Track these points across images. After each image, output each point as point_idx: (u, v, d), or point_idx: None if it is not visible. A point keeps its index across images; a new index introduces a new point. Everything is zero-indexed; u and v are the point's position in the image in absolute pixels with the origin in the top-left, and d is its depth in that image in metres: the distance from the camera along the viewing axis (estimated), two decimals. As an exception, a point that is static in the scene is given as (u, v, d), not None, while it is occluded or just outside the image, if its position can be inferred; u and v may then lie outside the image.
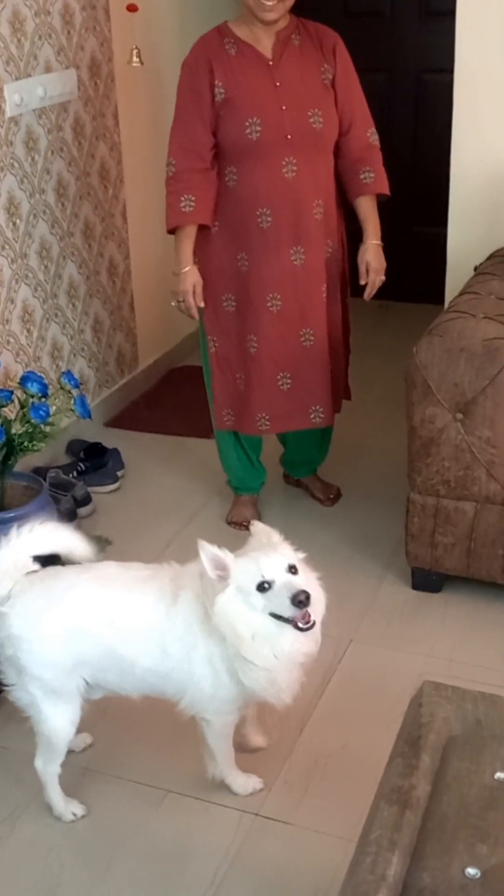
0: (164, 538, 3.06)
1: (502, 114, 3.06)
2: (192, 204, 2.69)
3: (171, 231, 2.77)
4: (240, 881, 1.91)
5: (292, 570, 1.82)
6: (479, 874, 1.32)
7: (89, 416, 2.94)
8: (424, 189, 4.42)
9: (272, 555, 1.82)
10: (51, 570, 2.01)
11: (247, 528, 3.01)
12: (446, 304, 2.93)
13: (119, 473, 3.38)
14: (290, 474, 3.29)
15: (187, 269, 2.76)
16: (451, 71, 3.08)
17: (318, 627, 1.83)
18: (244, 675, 1.85)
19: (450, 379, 2.43)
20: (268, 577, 1.79)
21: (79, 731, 2.20)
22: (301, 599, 1.76)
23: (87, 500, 3.18)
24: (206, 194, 2.71)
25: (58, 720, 1.96)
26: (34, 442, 2.76)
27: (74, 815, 2.06)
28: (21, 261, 3.22)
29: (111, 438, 3.58)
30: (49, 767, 2.03)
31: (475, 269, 2.99)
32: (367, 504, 3.19)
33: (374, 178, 2.80)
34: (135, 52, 3.40)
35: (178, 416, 3.82)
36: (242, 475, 3.13)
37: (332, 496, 3.20)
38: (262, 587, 1.79)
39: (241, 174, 2.71)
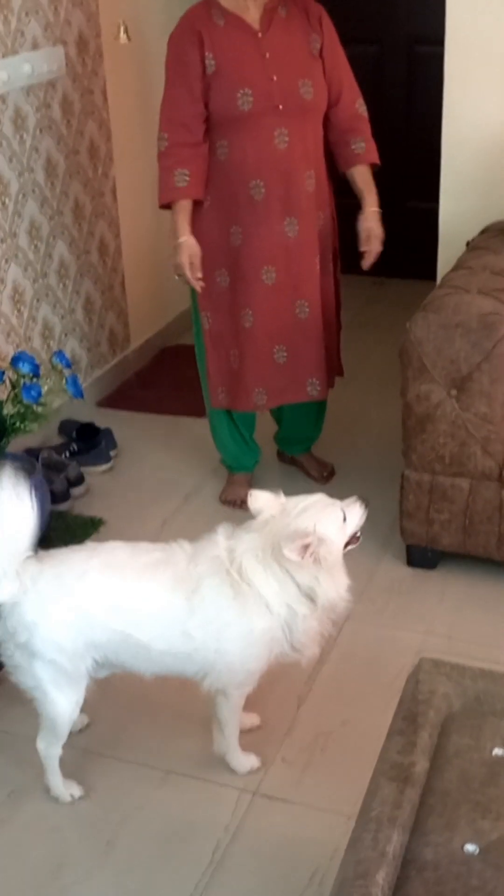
0: (159, 518, 3.05)
1: (494, 85, 3.03)
2: (187, 178, 2.67)
3: (165, 206, 2.74)
4: (240, 859, 1.92)
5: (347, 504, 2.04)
6: (479, 849, 1.33)
7: (81, 396, 2.93)
8: (417, 163, 4.38)
9: (335, 504, 2.00)
10: (57, 553, 2.00)
11: (241, 506, 3.03)
12: (439, 280, 2.92)
13: (112, 453, 3.36)
14: (285, 451, 3.28)
15: (183, 239, 2.72)
16: (442, 42, 3.05)
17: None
18: (299, 625, 1.93)
19: (445, 355, 2.42)
20: (346, 512, 2.00)
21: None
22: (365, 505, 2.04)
23: (80, 480, 3.17)
24: (199, 168, 2.69)
25: (63, 703, 1.96)
26: (26, 422, 2.74)
27: (73, 796, 2.07)
28: (11, 240, 3.19)
29: (104, 418, 3.56)
30: (51, 750, 2.03)
31: (467, 244, 2.97)
32: (363, 481, 3.17)
33: (365, 148, 2.80)
34: (122, 27, 3.36)
35: (170, 396, 3.80)
36: (237, 453, 3.12)
37: (326, 474, 3.19)
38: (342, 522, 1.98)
39: (233, 146, 2.69)
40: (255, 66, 2.64)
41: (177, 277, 2.79)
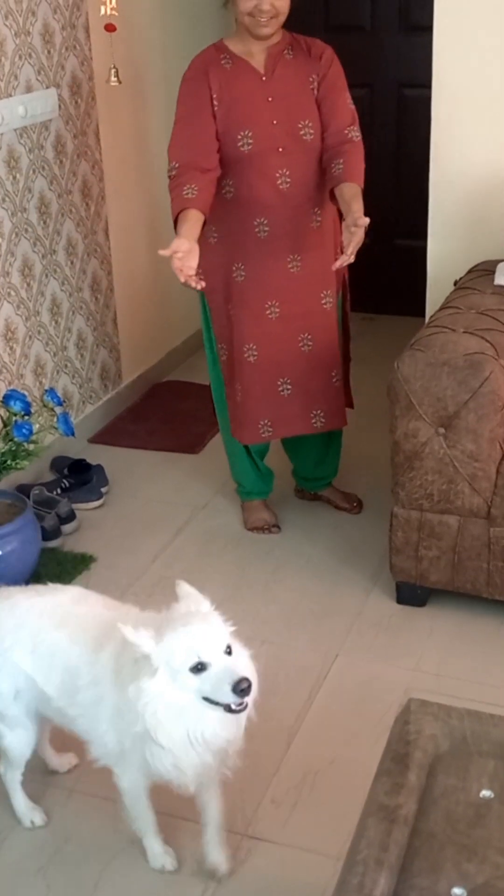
0: (150, 553, 3.06)
1: (480, 128, 3.09)
2: (195, 192, 2.62)
3: (177, 220, 2.65)
4: (229, 901, 1.91)
5: (228, 650, 1.68)
6: (465, 893, 1.33)
7: (72, 434, 2.95)
8: (408, 202, 4.45)
9: (209, 633, 1.67)
10: (9, 590, 2.05)
11: (270, 530, 3.11)
12: (427, 318, 2.95)
13: (103, 489, 3.37)
14: (306, 489, 3.29)
15: (179, 237, 2.55)
16: (431, 85, 3.11)
17: (245, 713, 1.68)
18: (150, 754, 1.73)
19: (432, 393, 2.44)
20: (205, 659, 1.64)
21: (64, 751, 2.20)
22: (244, 688, 1.62)
23: (71, 516, 3.18)
24: (208, 188, 2.66)
25: (12, 740, 1.98)
26: (17, 460, 2.76)
27: (33, 822, 2.07)
28: (3, 279, 3.22)
29: (96, 454, 3.58)
30: (9, 774, 2.05)
31: (455, 283, 3.01)
32: (354, 516, 3.20)
33: (343, 169, 2.68)
34: (113, 70, 3.42)
35: (162, 431, 3.82)
36: (255, 480, 3.15)
37: (355, 503, 3.21)
38: (198, 668, 1.65)
39: (238, 185, 2.74)
40: (258, 109, 2.70)
41: (183, 280, 2.56)
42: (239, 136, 2.69)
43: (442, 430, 2.46)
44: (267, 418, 2.95)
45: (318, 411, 2.96)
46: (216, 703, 1.66)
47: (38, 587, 2.08)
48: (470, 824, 1.45)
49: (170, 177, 2.71)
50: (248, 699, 1.66)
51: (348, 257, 2.57)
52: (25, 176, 3.26)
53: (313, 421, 2.97)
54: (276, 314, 2.84)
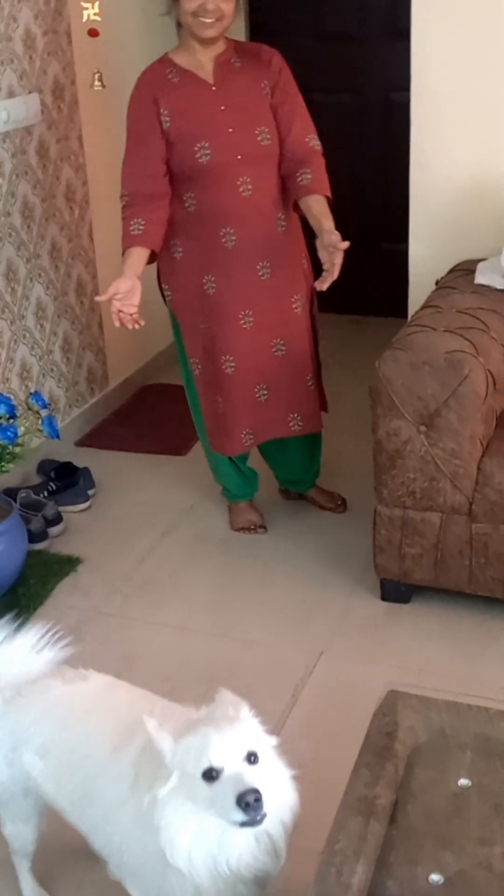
0: (137, 555, 3.07)
1: (459, 131, 3.12)
2: (142, 227, 2.69)
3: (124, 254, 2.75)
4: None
5: (251, 758, 1.42)
6: (442, 880, 1.34)
7: (58, 437, 2.96)
8: (394, 206, 4.47)
9: (227, 732, 1.42)
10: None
11: (256, 530, 3.13)
12: (409, 318, 2.97)
13: (90, 492, 3.38)
14: (290, 490, 3.31)
15: (119, 279, 2.62)
16: (411, 89, 3.13)
17: (280, 837, 1.46)
18: (169, 882, 1.48)
19: (413, 392, 2.46)
20: (216, 763, 1.40)
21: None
22: (248, 801, 1.36)
23: (58, 519, 3.19)
24: (157, 218, 2.71)
25: (12, 831, 1.85)
26: (3, 463, 2.77)
27: None
28: (-12, 283, 3.24)
29: (82, 457, 3.58)
30: (16, 858, 1.91)
31: (436, 283, 3.03)
32: (337, 517, 3.22)
33: (311, 179, 2.70)
34: (96, 75, 3.43)
35: (149, 434, 3.83)
36: (240, 483, 3.16)
37: (339, 503, 3.23)
38: (210, 775, 1.40)
39: (200, 197, 2.74)
40: (212, 119, 2.69)
41: (118, 324, 2.64)
42: (196, 148, 2.68)
43: (423, 429, 2.48)
44: (248, 427, 2.96)
45: (296, 414, 2.97)
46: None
47: (66, 673, 1.83)
48: (448, 816, 1.47)
49: (122, 206, 2.74)
50: (272, 818, 1.42)
51: (332, 277, 2.58)
52: (8, 180, 3.27)
53: (291, 424, 2.98)
54: (251, 323, 2.84)
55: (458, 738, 1.61)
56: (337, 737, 2.26)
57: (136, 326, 2.65)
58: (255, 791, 1.37)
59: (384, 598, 2.75)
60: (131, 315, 2.62)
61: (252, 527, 3.14)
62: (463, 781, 1.51)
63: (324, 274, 2.59)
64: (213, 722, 1.46)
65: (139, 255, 2.69)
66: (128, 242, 2.71)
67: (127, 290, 2.60)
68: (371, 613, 2.72)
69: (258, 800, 1.37)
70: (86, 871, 1.96)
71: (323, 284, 2.60)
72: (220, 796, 1.39)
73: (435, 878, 1.35)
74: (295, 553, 3.04)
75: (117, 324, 2.63)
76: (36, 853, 1.91)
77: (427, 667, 2.49)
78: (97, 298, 2.62)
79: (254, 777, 1.40)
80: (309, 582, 2.89)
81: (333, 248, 2.57)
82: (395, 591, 2.73)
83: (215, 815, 1.41)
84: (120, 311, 2.60)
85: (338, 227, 2.66)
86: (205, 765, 1.40)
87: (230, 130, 2.70)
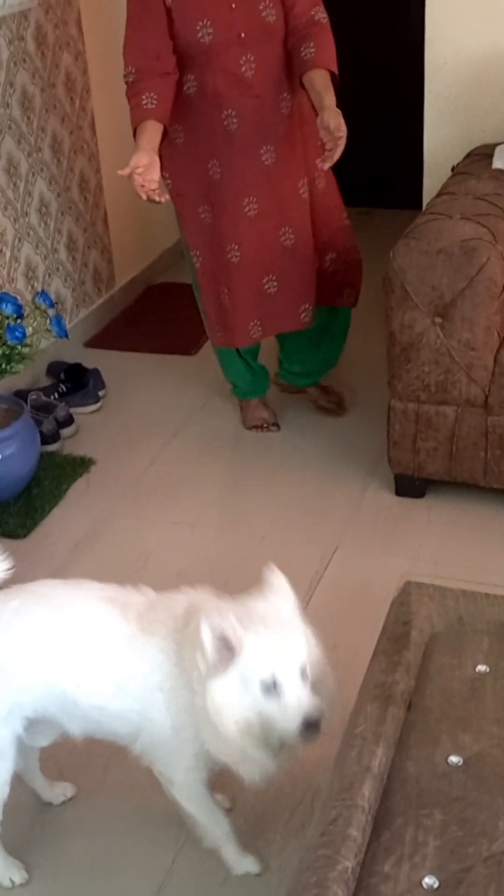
0: (148, 456, 3.06)
1: (476, 8, 2.97)
2: (154, 102, 2.57)
3: (136, 131, 2.61)
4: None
5: (304, 672, 1.48)
6: (461, 761, 1.36)
7: (66, 336, 2.92)
8: (402, 92, 4.31)
9: (288, 649, 1.47)
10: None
11: (268, 428, 3.09)
12: (424, 207, 2.89)
13: (100, 393, 3.36)
14: (291, 383, 3.25)
15: (137, 152, 2.52)
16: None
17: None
18: (215, 748, 1.53)
19: (427, 282, 2.40)
20: (279, 679, 1.45)
21: (59, 779, 1.95)
22: (315, 727, 1.44)
23: (69, 421, 3.17)
24: (167, 94, 2.60)
25: None
26: (12, 364, 2.75)
27: (12, 881, 1.77)
28: (-12, 179, 3.15)
29: (91, 358, 3.55)
30: None
31: (452, 169, 2.93)
32: (350, 412, 3.19)
33: (315, 53, 2.58)
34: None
35: (157, 334, 3.78)
36: (251, 379, 3.13)
37: (338, 403, 3.18)
38: (269, 688, 1.45)
39: (200, 79, 2.63)
40: None
41: (145, 198, 2.54)
42: (198, 27, 2.56)
43: (438, 320, 2.43)
44: (256, 318, 2.90)
45: (307, 305, 2.91)
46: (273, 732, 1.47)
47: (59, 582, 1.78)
48: (465, 699, 1.48)
49: (127, 83, 2.61)
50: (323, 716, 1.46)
51: (332, 160, 2.48)
52: (6, 69, 3.15)
53: (302, 316, 2.92)
54: (255, 211, 2.76)
55: (475, 626, 1.62)
56: (354, 626, 2.28)
57: (162, 200, 2.54)
58: (318, 721, 1.45)
59: (398, 492, 2.75)
60: (154, 189, 2.50)
61: (264, 424, 3.12)
62: (481, 668, 1.52)
63: (326, 153, 2.50)
64: (269, 623, 1.48)
65: (155, 128, 2.56)
66: (141, 116, 2.57)
67: (147, 164, 2.48)
68: (385, 508, 2.72)
69: (319, 722, 1.44)
70: (111, 757, 1.95)
71: (324, 164, 2.54)
72: (279, 711, 1.45)
73: (454, 759, 1.36)
74: (306, 450, 3.02)
75: (144, 197, 2.51)
76: (60, 743, 1.80)
77: (443, 558, 2.50)
78: (119, 172, 2.46)
79: (314, 701, 1.46)
80: (322, 478, 2.88)
81: (333, 134, 2.47)
82: (410, 485, 2.72)
83: (268, 721, 1.46)
84: (142, 185, 2.48)
85: (343, 114, 2.52)
86: (267, 677, 1.45)
87: (233, 6, 2.57)
